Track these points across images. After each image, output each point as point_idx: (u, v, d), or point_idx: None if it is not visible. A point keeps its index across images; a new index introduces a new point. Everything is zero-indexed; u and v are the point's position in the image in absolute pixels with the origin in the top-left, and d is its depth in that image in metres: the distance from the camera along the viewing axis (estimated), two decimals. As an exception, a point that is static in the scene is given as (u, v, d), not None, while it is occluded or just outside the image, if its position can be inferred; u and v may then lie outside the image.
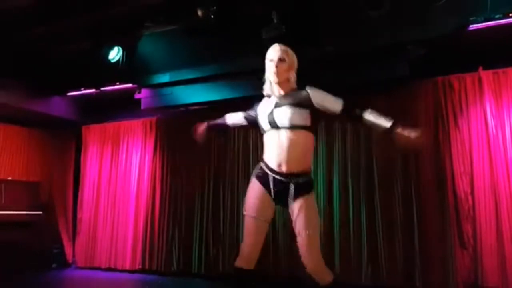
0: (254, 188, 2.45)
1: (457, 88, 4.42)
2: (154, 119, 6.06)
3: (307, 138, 2.38)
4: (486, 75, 4.28)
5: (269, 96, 2.55)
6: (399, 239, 4.41)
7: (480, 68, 4.30)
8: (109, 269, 5.92)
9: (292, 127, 2.33)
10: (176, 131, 5.90)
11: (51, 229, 6.32)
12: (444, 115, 4.42)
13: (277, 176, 2.36)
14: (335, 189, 4.79)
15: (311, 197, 2.38)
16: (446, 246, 4.18)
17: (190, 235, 5.50)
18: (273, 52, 2.49)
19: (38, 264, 5.91)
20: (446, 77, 4.47)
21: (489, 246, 4.03)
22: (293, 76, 2.50)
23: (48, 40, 5.19)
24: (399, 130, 2.30)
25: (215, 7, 4.40)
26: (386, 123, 2.35)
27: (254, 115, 2.58)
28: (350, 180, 4.72)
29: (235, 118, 2.76)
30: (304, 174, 2.37)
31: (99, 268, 5.98)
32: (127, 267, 5.78)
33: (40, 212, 6.08)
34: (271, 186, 2.38)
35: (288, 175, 2.34)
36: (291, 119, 2.33)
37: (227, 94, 5.16)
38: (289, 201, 2.37)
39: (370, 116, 2.39)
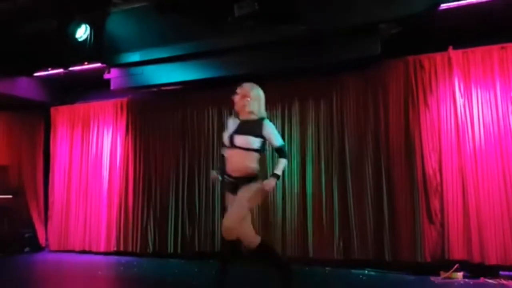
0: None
1: (427, 67, 4.37)
2: (125, 99, 5.80)
3: (253, 156, 3.16)
4: (455, 54, 4.24)
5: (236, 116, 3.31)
6: (370, 215, 4.42)
7: (450, 47, 4.25)
8: (83, 252, 5.75)
9: (244, 149, 3.13)
10: (148, 112, 5.68)
11: (22, 213, 6.07)
12: (414, 94, 4.37)
13: (231, 180, 3.20)
14: (308, 167, 4.73)
15: (250, 185, 3.11)
16: (415, 221, 4.20)
17: (165, 216, 5.37)
18: (238, 89, 3.31)
19: (10, 249, 5.69)
20: (417, 56, 4.41)
21: (455, 221, 4.08)
22: (253, 106, 3.22)
23: (14, 17, 4.80)
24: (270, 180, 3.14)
25: (185, -17, 4.15)
26: (275, 170, 3.19)
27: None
28: (323, 158, 4.68)
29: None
30: (247, 177, 3.13)
31: (73, 251, 5.80)
32: (102, 249, 5.61)
33: (10, 196, 5.79)
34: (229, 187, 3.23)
35: (236, 178, 3.16)
36: (245, 144, 3.13)
37: (200, 74, 4.96)
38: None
39: (278, 163, 3.21)
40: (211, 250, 5.08)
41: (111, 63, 5.23)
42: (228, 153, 3.20)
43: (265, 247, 3.19)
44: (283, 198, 4.81)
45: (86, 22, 4.96)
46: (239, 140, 3.13)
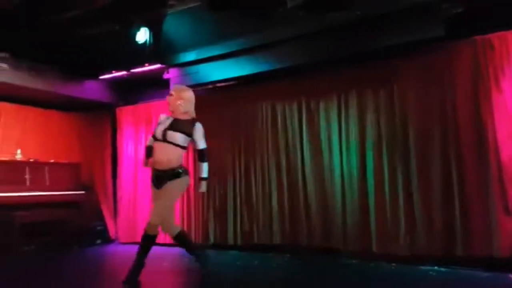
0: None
1: (498, 47, 3.93)
2: (183, 97, 5.88)
3: (179, 152, 3.50)
4: (530, 31, 3.78)
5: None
6: (439, 207, 4.07)
7: (524, 24, 3.79)
8: (150, 244, 5.91)
9: (174, 144, 3.42)
10: (205, 108, 5.66)
11: (94, 208, 6.40)
12: (484, 77, 3.95)
13: (158, 173, 3.48)
14: (368, 159, 4.47)
15: (175, 181, 3.44)
16: (489, 212, 3.82)
17: (225, 209, 5.42)
18: (172, 91, 3.69)
19: (84, 241, 6.01)
20: (486, 36, 3.98)
21: (535, 212, 3.64)
22: (187, 107, 3.58)
23: (79, 23, 5.04)
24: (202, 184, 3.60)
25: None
26: (202, 174, 3.57)
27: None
28: (384, 149, 4.38)
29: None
30: (170, 171, 3.43)
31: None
32: (167, 241, 5.72)
33: (83, 192, 6.12)
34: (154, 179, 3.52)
35: (163, 171, 3.44)
36: (176, 140, 3.43)
37: (253, 69, 4.90)
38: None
39: (203, 167, 3.57)
40: (269, 243, 5.04)
41: (169, 63, 5.34)
42: (157, 146, 3.46)
43: (182, 236, 3.69)
44: (342, 191, 4.60)
45: (145, 25, 5.10)
46: (171, 135, 3.40)
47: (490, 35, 3.96)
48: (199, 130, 3.51)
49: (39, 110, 6.31)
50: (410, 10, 3.81)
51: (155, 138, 3.54)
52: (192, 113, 3.60)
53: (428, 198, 4.12)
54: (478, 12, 3.87)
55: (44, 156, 6.11)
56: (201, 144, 3.52)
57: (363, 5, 3.92)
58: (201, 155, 3.54)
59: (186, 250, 3.73)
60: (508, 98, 3.86)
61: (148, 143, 3.75)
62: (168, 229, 3.59)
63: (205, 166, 3.54)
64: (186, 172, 3.54)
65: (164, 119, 3.57)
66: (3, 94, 5.73)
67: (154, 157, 3.48)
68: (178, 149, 3.45)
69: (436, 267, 3.98)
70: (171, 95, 3.60)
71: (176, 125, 3.47)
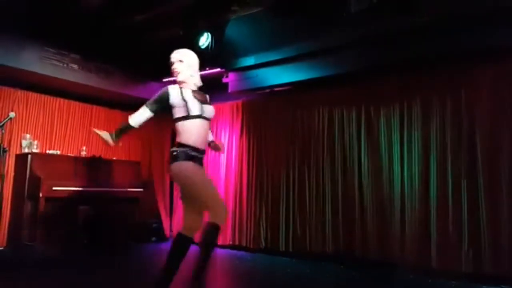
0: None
1: None
2: (240, 101, 6.16)
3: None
4: None
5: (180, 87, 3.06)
6: (506, 223, 3.96)
7: None
8: (202, 244, 6.20)
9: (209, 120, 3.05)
10: (262, 112, 5.93)
11: (151, 205, 6.79)
12: None
13: (199, 155, 2.97)
14: (431, 170, 4.41)
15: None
16: None
17: (277, 214, 5.56)
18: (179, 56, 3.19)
19: (140, 237, 6.40)
20: None
21: None
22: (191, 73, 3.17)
23: (146, 27, 5.47)
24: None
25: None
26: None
27: (169, 103, 3.04)
28: (449, 160, 4.32)
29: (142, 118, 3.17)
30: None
31: (192, 243, 6.25)
32: (219, 242, 5.98)
33: (141, 189, 6.51)
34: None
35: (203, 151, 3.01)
36: (212, 115, 3.11)
37: (311, 74, 5.05)
38: None
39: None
40: (322, 250, 5.10)
41: (229, 67, 5.63)
42: (193, 124, 2.92)
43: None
44: (402, 203, 4.58)
45: (208, 30, 5.40)
46: (209, 110, 3.03)
47: None
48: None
49: (104, 110, 6.88)
50: (483, 14, 3.78)
51: (190, 116, 2.94)
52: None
53: (495, 213, 4.02)
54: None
55: (107, 154, 6.63)
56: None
57: (432, 10, 3.92)
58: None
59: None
60: None
61: (139, 117, 3.16)
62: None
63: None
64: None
65: (188, 93, 3.01)
66: (72, 93, 6.32)
67: (191, 138, 2.91)
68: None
69: (501, 287, 3.87)
70: (181, 61, 3.17)
71: (200, 97, 3.04)
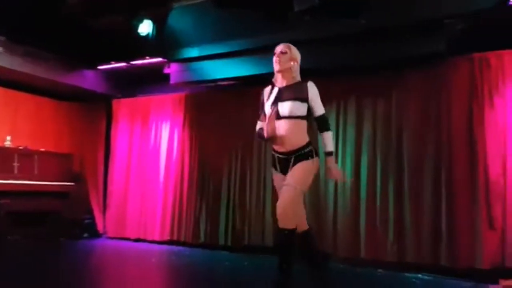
0: (272, 172, 3.03)
1: (494, 65, 4.37)
2: (183, 94, 6.23)
3: (301, 124, 2.86)
4: (525, 52, 4.22)
5: (272, 86, 2.96)
6: (427, 217, 4.49)
7: (519, 44, 4.23)
8: (138, 240, 6.25)
9: (290, 117, 2.81)
10: (204, 106, 6.03)
11: (83, 200, 6.67)
12: (479, 94, 4.39)
13: (280, 156, 2.89)
14: (362, 166, 4.87)
15: (310, 161, 2.83)
16: (474, 225, 4.23)
17: (217, 208, 5.73)
18: (277, 47, 2.96)
19: (71, 233, 6.26)
20: (483, 53, 4.43)
21: (518, 228, 4.06)
22: (294, 66, 2.92)
23: (81, 13, 5.33)
24: (329, 164, 2.93)
25: (245, -20, 4.42)
26: (327, 148, 2.91)
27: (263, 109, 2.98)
28: (378, 157, 4.80)
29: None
30: (301, 148, 2.83)
31: (128, 239, 6.31)
32: (156, 238, 6.07)
33: (72, 183, 6.37)
34: (277, 164, 2.92)
35: (288, 153, 2.84)
36: (291, 111, 2.81)
37: (257, 70, 5.18)
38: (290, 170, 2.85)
39: (324, 135, 2.91)
40: (260, 244, 5.34)
41: (171, 58, 5.63)
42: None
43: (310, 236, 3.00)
44: (335, 196, 4.98)
45: (149, 17, 5.38)
46: (287, 107, 2.81)
47: (487, 53, 4.40)
48: (314, 88, 2.88)
49: (32, 97, 6.58)
50: (415, 25, 4.21)
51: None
52: (296, 74, 2.96)
53: (418, 208, 4.53)
54: (478, 30, 4.28)
55: (35, 145, 6.37)
56: (320, 109, 2.88)
57: (370, 17, 4.29)
58: (322, 122, 2.90)
59: (305, 255, 2.98)
60: (500, 116, 4.29)
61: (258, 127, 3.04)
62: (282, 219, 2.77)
63: (329, 137, 2.90)
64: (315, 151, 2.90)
65: (265, 96, 2.97)
66: (-5, 77, 5.99)
67: (273, 137, 2.84)
68: (299, 121, 2.82)
69: (420, 275, 4.37)
70: (282, 53, 2.90)
71: (287, 92, 2.86)
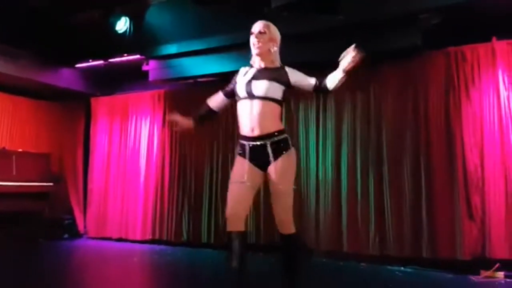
0: (238, 161, 2.69)
1: (469, 58, 4.43)
2: (162, 91, 6.18)
3: (276, 109, 2.64)
4: (499, 45, 4.28)
5: (251, 66, 2.74)
6: (407, 210, 4.53)
7: (494, 38, 4.29)
8: (120, 240, 6.19)
9: (265, 98, 2.57)
10: (184, 103, 5.94)
11: (62, 200, 6.58)
12: (456, 86, 4.45)
13: (252, 142, 2.60)
14: (343, 160, 4.90)
15: (291, 154, 2.63)
16: (454, 217, 4.29)
17: (200, 206, 5.70)
18: (254, 26, 2.69)
19: (51, 234, 6.17)
20: (459, 47, 4.48)
21: (497, 218, 4.12)
22: (274, 49, 2.69)
23: (57, 9, 5.25)
24: (344, 66, 2.57)
25: (224, -24, 4.41)
26: (339, 72, 2.59)
27: (232, 86, 2.77)
28: (358, 151, 4.83)
29: (216, 100, 2.89)
30: (277, 132, 2.59)
31: (110, 239, 6.25)
32: (138, 237, 6.02)
33: (51, 184, 6.28)
34: (249, 154, 2.61)
35: (262, 137, 2.58)
36: (266, 91, 2.57)
37: (236, 66, 5.08)
38: (270, 161, 2.58)
39: (330, 78, 2.63)
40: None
41: (149, 55, 5.60)
42: (245, 105, 2.61)
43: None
44: (317, 190, 5.01)
45: (126, 14, 5.33)
46: (262, 86, 2.57)
47: (463, 47, 4.46)
48: (293, 70, 2.68)
49: (8, 96, 6.44)
50: (392, 19, 4.25)
51: (229, 95, 2.78)
52: (276, 57, 2.73)
53: (398, 201, 4.57)
54: (453, 24, 4.33)
55: (12, 145, 6.27)
56: (310, 80, 2.67)
57: (346, 12, 4.32)
58: (321, 84, 2.65)
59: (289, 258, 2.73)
60: (477, 108, 4.35)
61: (209, 101, 2.90)
62: (283, 225, 2.68)
63: (331, 77, 2.62)
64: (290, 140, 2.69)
65: (239, 75, 2.74)
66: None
67: (240, 125, 2.65)
68: (274, 105, 2.60)
69: (403, 268, 4.43)
70: (261, 33, 2.64)
71: (265, 73, 2.63)
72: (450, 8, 4.00)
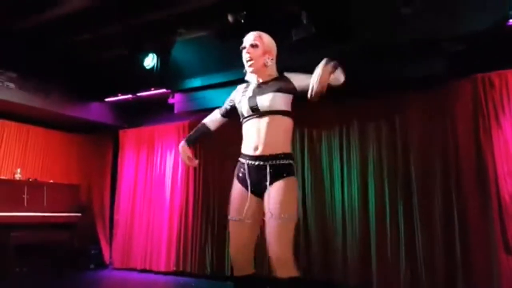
0: (234, 189, 2.40)
1: (497, 85, 4.29)
2: (187, 122, 6.25)
3: (287, 124, 2.34)
4: (528, 71, 4.13)
5: (247, 83, 2.50)
6: (439, 245, 4.31)
7: (522, 63, 4.15)
8: (144, 271, 6.14)
9: (274, 112, 2.28)
10: (208, 134, 6.02)
11: (89, 231, 6.64)
12: (485, 114, 4.29)
13: (252, 162, 2.28)
14: (370, 192, 4.74)
15: (292, 181, 2.25)
16: (490, 251, 4.04)
17: (223, 238, 5.59)
18: (245, 38, 2.40)
19: (77, 264, 6.23)
20: (486, 74, 4.35)
21: (535, 251, 3.86)
22: (269, 63, 2.39)
23: (88, 47, 5.51)
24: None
25: (244, 12, 4.51)
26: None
27: (230, 106, 2.56)
28: (386, 181, 4.66)
29: (212, 120, 2.70)
30: (282, 155, 2.26)
31: (134, 269, 6.22)
32: (162, 268, 5.96)
33: (79, 214, 6.37)
34: (247, 177, 2.29)
35: (264, 157, 2.25)
36: (273, 104, 2.27)
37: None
38: (266, 186, 2.22)
39: (323, 67, 2.16)
40: (266, 274, 5.19)
41: (175, 88, 5.75)
42: (251, 123, 2.36)
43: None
44: (343, 223, 4.84)
45: (153, 51, 5.52)
46: (268, 98, 2.29)
47: (490, 73, 4.33)
48: (294, 74, 2.39)
49: (41, 130, 6.69)
50: (415, 47, 4.17)
51: (225, 114, 2.62)
52: (273, 69, 2.45)
53: (429, 233, 4.35)
54: (479, 51, 4.24)
55: (44, 176, 6.45)
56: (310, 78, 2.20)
57: (365, 38, 4.30)
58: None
59: None
60: (508, 135, 4.16)
61: (205, 120, 2.76)
62: (281, 264, 2.19)
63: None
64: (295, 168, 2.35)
65: (237, 93, 2.54)
66: (7, 112, 6.12)
67: (244, 144, 2.41)
68: (284, 118, 2.33)
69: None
70: (253, 46, 2.36)
71: (266, 86, 2.36)
72: (474, 34, 3.92)
